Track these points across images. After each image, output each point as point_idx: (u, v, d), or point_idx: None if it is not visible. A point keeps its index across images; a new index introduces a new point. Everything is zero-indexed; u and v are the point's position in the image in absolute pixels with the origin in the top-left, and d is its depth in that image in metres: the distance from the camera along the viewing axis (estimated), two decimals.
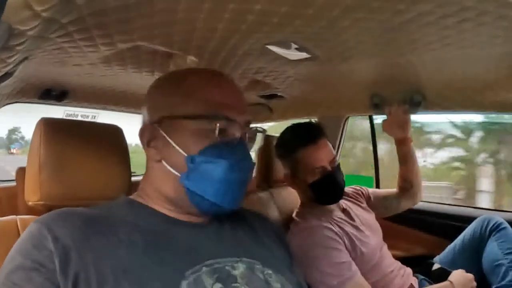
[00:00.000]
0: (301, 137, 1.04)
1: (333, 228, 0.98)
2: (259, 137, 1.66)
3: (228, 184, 0.56)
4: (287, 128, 1.10)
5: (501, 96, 1.01)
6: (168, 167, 0.57)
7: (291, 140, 1.06)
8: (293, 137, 1.07)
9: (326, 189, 1.02)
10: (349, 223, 1.06)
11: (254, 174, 1.36)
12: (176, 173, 0.56)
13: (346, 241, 0.98)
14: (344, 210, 1.11)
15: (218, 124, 0.55)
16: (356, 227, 1.06)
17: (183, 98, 0.58)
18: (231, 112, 0.57)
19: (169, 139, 0.57)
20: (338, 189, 1.04)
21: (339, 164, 1.07)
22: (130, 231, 0.52)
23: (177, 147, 0.56)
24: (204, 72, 0.63)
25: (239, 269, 0.53)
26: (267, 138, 1.35)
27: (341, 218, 1.05)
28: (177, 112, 0.57)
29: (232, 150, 0.56)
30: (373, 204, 1.23)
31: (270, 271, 0.56)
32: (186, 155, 0.55)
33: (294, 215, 1.09)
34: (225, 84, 0.61)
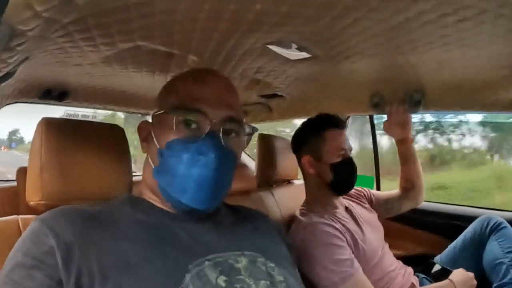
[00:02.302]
0: (331, 120, 1.10)
1: (336, 225, 0.98)
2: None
3: (190, 181, 0.53)
4: (316, 116, 1.15)
5: (501, 96, 1.01)
6: (149, 161, 0.59)
7: (322, 121, 1.12)
8: (323, 119, 1.12)
9: (346, 172, 1.08)
10: (351, 221, 1.06)
11: (254, 173, 1.36)
12: (153, 166, 0.58)
13: (348, 238, 0.98)
14: (346, 209, 1.11)
15: (180, 117, 0.55)
16: (358, 225, 1.06)
17: (168, 95, 0.60)
18: (204, 105, 0.55)
19: (152, 133, 0.59)
20: (354, 177, 1.10)
21: None
22: (131, 225, 0.52)
23: (154, 140, 0.57)
24: (197, 70, 0.64)
25: (242, 262, 0.53)
26: (266, 138, 1.35)
27: (343, 216, 1.06)
28: (160, 108, 0.58)
29: (195, 144, 0.54)
30: (375, 206, 1.23)
31: (272, 265, 0.56)
32: (158, 147, 0.56)
33: (296, 213, 1.10)
34: (209, 79, 0.59)
